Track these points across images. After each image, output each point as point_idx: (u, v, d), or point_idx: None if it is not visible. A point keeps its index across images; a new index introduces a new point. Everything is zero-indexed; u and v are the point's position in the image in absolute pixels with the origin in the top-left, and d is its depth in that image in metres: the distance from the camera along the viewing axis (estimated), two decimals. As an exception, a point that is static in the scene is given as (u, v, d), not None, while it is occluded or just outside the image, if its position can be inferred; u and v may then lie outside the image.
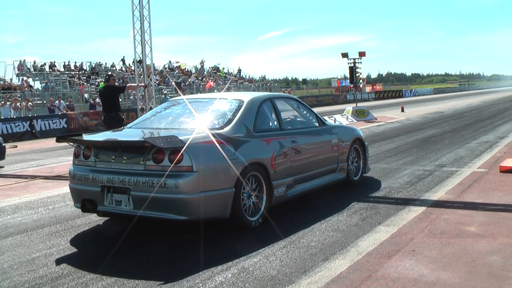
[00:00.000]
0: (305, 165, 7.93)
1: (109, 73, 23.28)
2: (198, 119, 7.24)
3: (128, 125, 8.05)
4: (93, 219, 7.47)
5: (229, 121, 7.01)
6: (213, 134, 6.51)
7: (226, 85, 48.17)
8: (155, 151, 6.13)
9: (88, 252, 5.97)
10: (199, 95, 10.18)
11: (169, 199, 6.00)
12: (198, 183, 6.02)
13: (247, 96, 7.68)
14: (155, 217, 6.23)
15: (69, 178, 7.07)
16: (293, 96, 9.24)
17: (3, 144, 15.24)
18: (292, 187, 7.55)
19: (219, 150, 6.30)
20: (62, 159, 15.81)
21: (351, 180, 9.25)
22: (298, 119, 8.68)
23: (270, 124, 7.75)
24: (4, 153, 15.21)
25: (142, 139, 6.38)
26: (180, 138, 6.05)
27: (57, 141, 7.13)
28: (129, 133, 7.42)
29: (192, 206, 6.02)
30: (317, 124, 8.79)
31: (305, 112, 8.86)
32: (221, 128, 6.85)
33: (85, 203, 6.69)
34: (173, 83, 45.60)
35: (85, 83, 41.15)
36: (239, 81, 58.01)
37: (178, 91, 38.70)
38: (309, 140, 8.25)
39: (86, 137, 7.13)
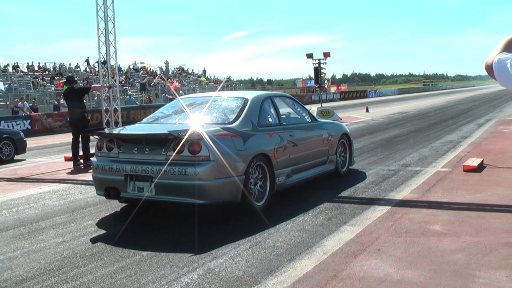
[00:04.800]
0: (301, 156, 8.69)
1: (70, 74, 23.05)
2: (210, 115, 8.00)
3: (143, 121, 8.72)
4: (57, 221, 7.39)
5: (237, 116, 7.74)
6: (225, 128, 7.28)
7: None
8: (176, 142, 6.78)
9: (52, 255, 5.88)
10: (202, 94, 11.39)
11: (189, 185, 6.71)
12: (214, 171, 6.74)
13: (250, 95, 8.44)
14: (174, 201, 6.95)
15: (92, 169, 7.74)
16: (288, 95, 10.12)
17: (24, 139, 16.54)
18: (290, 176, 8.31)
19: (231, 142, 7.09)
20: (26, 161, 15.58)
21: (339, 172, 10.06)
22: (293, 115, 9.45)
23: (271, 119, 8.53)
24: (25, 147, 16.51)
25: (166, 132, 6.81)
26: (198, 131, 6.77)
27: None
28: (148, 128, 8.07)
29: (210, 191, 6.75)
30: (309, 120, 9.62)
31: (299, 109, 9.68)
32: (231, 123, 7.57)
33: (109, 190, 7.36)
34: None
35: (49, 84, 40.55)
36: (203, 83, 57.81)
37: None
38: (304, 135, 9.04)
39: (110, 130, 7.93)
